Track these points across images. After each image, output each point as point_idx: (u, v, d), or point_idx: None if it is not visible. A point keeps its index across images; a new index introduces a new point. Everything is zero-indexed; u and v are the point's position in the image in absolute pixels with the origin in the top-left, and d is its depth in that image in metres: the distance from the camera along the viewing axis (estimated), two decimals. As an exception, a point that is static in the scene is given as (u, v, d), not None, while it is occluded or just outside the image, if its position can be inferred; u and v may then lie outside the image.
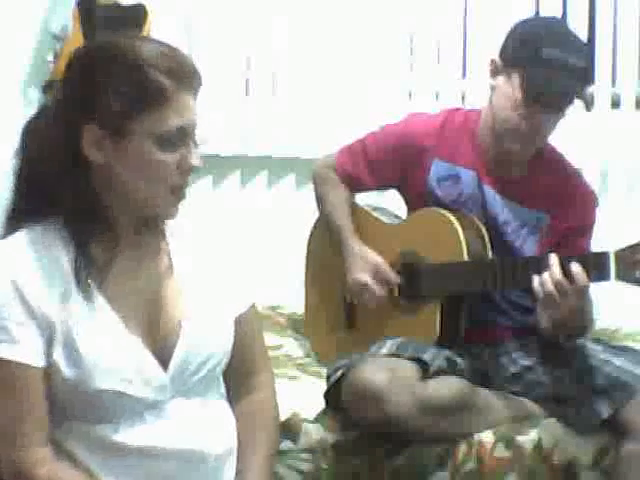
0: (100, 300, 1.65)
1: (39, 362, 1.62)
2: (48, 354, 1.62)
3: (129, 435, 1.66)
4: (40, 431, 1.64)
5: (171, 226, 1.76)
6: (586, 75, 2.44)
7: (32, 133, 1.69)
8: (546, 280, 2.24)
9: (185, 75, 1.64)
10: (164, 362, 1.69)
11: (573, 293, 2.23)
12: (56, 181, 1.64)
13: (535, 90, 2.38)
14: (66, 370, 1.62)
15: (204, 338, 1.73)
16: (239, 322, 1.81)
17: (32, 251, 1.63)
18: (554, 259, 2.25)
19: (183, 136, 1.64)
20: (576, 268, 2.23)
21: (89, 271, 1.64)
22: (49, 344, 1.62)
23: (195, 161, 1.66)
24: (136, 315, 1.68)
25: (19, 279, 1.61)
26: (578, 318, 2.31)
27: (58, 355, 1.62)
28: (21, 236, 1.65)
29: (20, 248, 1.64)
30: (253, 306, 1.86)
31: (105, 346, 1.64)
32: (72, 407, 1.65)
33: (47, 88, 3.47)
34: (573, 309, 2.25)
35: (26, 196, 1.68)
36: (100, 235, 1.67)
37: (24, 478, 1.62)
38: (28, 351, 1.61)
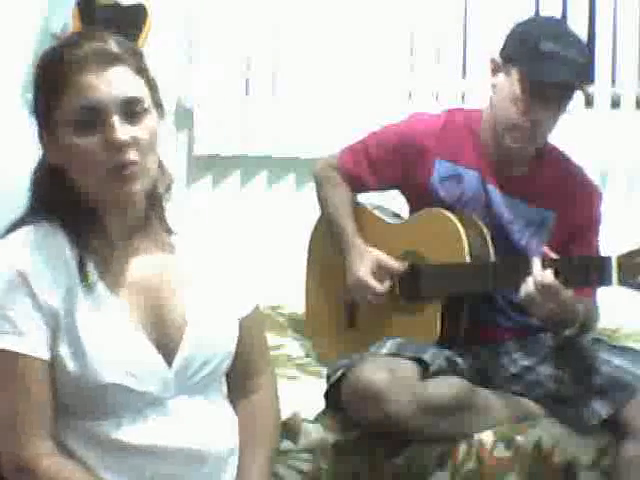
0: (104, 294, 1.66)
1: (44, 354, 1.62)
2: (53, 347, 1.63)
3: (130, 432, 1.66)
4: (44, 424, 1.64)
5: (177, 224, 1.77)
6: (585, 70, 2.44)
7: None
8: (527, 282, 2.26)
9: (83, 55, 1.63)
10: (169, 358, 1.69)
11: (552, 293, 2.23)
12: (42, 184, 1.70)
13: (534, 84, 2.39)
14: (70, 364, 1.62)
15: (209, 337, 1.73)
16: (243, 324, 1.81)
17: (39, 245, 1.65)
18: (535, 261, 2.26)
19: (96, 115, 1.62)
20: (537, 270, 2.24)
21: (93, 266, 1.66)
22: (54, 337, 1.63)
23: (117, 135, 1.61)
24: (140, 311, 1.68)
25: (26, 271, 1.62)
26: (563, 314, 2.30)
27: (62, 348, 1.62)
28: (28, 231, 1.67)
29: (27, 242, 1.65)
30: (257, 308, 1.87)
31: (109, 339, 1.64)
32: (74, 404, 1.65)
33: None
34: (551, 308, 2.25)
35: (31, 197, 1.71)
36: (99, 231, 1.68)
37: (27, 471, 1.62)
38: (34, 343, 1.61)
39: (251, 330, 1.84)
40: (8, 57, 3.65)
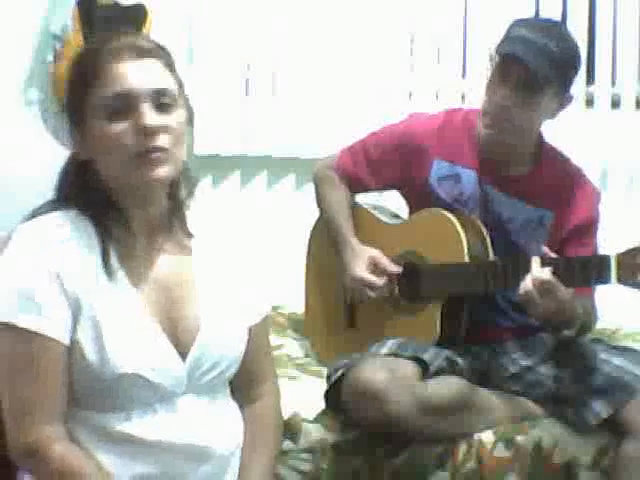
0: (124, 284, 1.68)
1: (64, 339, 1.64)
2: (73, 333, 1.64)
3: (139, 426, 1.67)
4: (57, 409, 1.65)
5: (195, 226, 1.80)
6: (561, 60, 2.37)
7: None
8: (525, 280, 2.25)
9: (118, 47, 1.67)
10: (181, 355, 1.71)
11: (550, 291, 2.23)
12: (68, 179, 1.74)
13: (500, 65, 2.39)
14: (88, 351, 1.63)
15: (220, 339, 1.76)
16: (252, 332, 1.84)
17: (65, 231, 1.67)
18: (534, 260, 2.26)
19: (128, 102, 1.65)
20: (536, 268, 2.24)
21: (115, 255, 1.68)
22: (74, 322, 1.64)
23: (146, 121, 1.64)
24: (156, 306, 1.70)
25: (52, 255, 1.64)
26: (561, 314, 2.30)
27: (82, 334, 1.64)
28: (56, 216, 1.69)
29: (55, 227, 1.67)
30: (266, 317, 1.89)
31: (128, 329, 1.66)
32: (85, 394, 1.66)
33: None
34: (550, 307, 2.25)
35: (57, 190, 1.74)
36: (122, 223, 1.70)
37: (38, 454, 1.63)
38: (55, 326, 1.63)
39: (259, 339, 1.86)
40: (8, 57, 3.65)
